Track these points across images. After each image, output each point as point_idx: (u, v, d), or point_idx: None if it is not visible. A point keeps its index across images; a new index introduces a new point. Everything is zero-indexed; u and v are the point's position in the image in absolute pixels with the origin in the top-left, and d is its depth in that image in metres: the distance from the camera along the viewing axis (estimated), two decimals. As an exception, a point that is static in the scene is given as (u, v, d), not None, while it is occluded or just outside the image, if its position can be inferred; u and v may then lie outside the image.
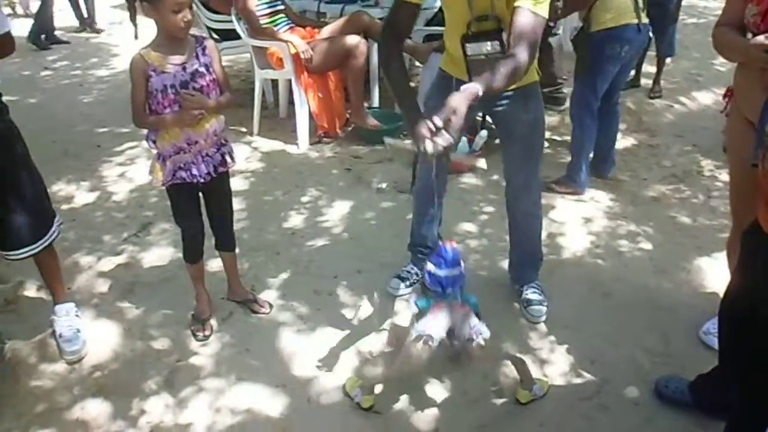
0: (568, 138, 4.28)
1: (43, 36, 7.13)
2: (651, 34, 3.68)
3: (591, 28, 3.34)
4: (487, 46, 2.19)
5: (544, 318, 2.67)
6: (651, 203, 3.56)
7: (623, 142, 4.35)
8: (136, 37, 6.42)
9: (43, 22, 6.98)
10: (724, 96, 2.46)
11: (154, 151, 2.39)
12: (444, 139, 1.80)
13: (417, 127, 1.90)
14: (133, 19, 6.04)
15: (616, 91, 3.67)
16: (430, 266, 2.06)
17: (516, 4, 2.03)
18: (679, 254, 3.03)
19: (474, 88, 1.84)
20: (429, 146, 1.81)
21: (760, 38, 1.79)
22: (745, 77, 2.03)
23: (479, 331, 2.09)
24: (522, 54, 1.98)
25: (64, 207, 3.74)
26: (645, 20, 3.34)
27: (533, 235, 2.72)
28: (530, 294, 2.72)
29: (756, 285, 1.66)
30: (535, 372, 2.40)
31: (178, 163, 2.36)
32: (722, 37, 2.04)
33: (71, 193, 3.89)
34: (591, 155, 3.70)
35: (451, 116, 1.79)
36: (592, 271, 3.00)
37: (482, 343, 2.08)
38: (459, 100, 1.81)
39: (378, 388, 2.29)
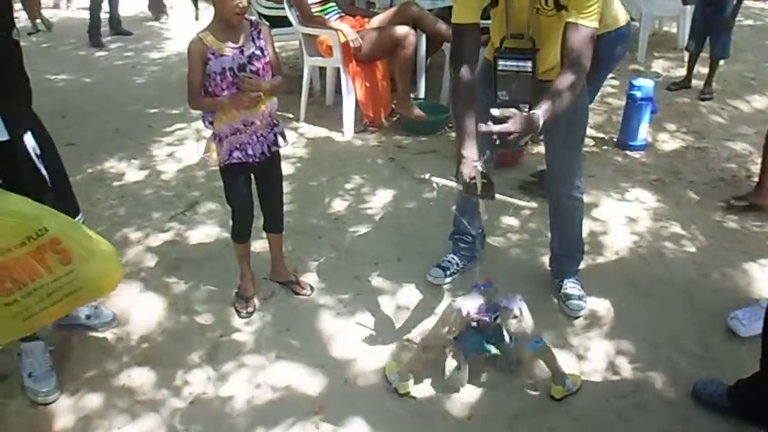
0: (614, 136, 4.27)
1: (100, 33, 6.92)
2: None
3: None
4: (519, 64, 2.20)
5: (582, 313, 2.67)
6: (696, 206, 3.51)
7: (671, 143, 4.29)
8: (197, 18, 6.60)
9: (94, 19, 6.85)
10: None
11: (210, 132, 2.46)
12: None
13: (465, 161, 2.07)
14: (195, 1, 6.18)
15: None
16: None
17: (568, 20, 2.06)
18: (723, 258, 2.99)
19: (536, 118, 1.90)
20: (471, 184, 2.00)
21: None
22: None
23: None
24: (580, 68, 2.03)
25: (115, 184, 3.87)
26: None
27: (574, 222, 2.71)
28: (569, 288, 2.73)
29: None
30: (571, 367, 2.41)
31: (234, 143, 2.42)
32: None
33: (122, 171, 4.01)
34: None
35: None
36: (634, 271, 2.98)
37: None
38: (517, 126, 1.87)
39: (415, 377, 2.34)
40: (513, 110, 1.87)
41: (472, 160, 2.11)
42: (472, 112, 2.20)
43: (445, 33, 4.36)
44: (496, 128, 1.85)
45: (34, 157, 2.26)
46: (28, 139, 2.23)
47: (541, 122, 1.90)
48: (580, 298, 2.70)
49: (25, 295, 2.04)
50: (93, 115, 4.95)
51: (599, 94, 4.97)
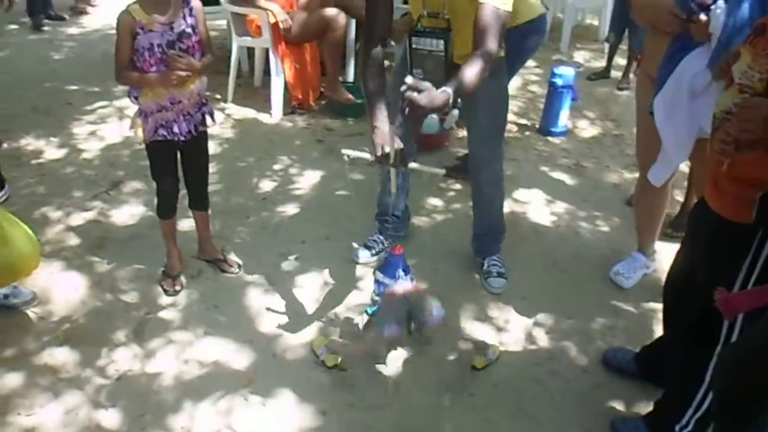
0: (537, 122, 4.43)
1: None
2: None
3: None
4: (432, 44, 2.25)
5: (502, 290, 2.79)
6: (612, 189, 3.71)
7: (590, 130, 4.49)
8: None
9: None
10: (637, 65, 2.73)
11: (136, 107, 2.42)
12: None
13: (377, 132, 2.15)
14: None
15: None
16: (378, 275, 2.24)
17: (480, 0, 2.09)
18: (634, 236, 3.18)
19: (445, 95, 1.90)
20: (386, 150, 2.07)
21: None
22: (653, 41, 2.36)
23: (436, 317, 2.24)
24: (488, 47, 2.07)
25: (33, 162, 3.75)
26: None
27: (495, 206, 2.82)
28: (491, 267, 2.84)
29: (696, 256, 1.79)
30: (491, 338, 2.53)
31: (160, 120, 2.40)
32: (639, 3, 2.41)
33: (40, 148, 3.89)
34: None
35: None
36: (552, 249, 3.13)
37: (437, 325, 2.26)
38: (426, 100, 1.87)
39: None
40: (426, 83, 1.88)
41: (383, 131, 2.18)
42: (383, 84, 2.26)
43: None
44: (407, 94, 1.85)
45: None
46: None
47: (450, 100, 1.92)
48: (499, 275, 2.81)
49: None
50: (8, 89, 4.75)
51: (522, 81, 5.18)
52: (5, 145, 3.35)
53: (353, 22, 4.59)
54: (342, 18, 4.24)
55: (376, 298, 2.31)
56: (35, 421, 2.13)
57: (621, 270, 2.87)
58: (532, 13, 3.18)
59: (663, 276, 2.19)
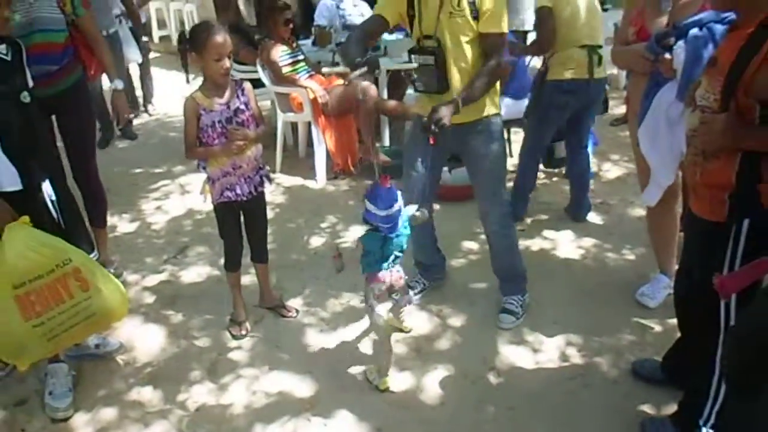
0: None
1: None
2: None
3: (547, 76, 3.65)
4: (426, 59, 2.76)
5: (511, 326, 3.00)
6: (636, 221, 3.95)
7: (615, 171, 4.78)
8: (187, 81, 7.10)
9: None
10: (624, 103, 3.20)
11: (204, 175, 2.83)
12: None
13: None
14: (184, 66, 6.65)
15: (582, 136, 3.96)
16: (367, 204, 2.42)
17: (481, 30, 2.68)
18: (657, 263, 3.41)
19: (455, 102, 2.60)
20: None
21: (635, 46, 2.55)
22: (633, 82, 2.94)
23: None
24: (489, 65, 2.69)
25: (109, 236, 4.18)
26: (597, 75, 3.59)
27: (504, 251, 3.07)
28: (506, 304, 3.07)
29: (692, 254, 2.05)
30: (527, 359, 2.78)
31: (225, 184, 2.80)
32: (615, 52, 2.96)
33: (114, 224, 4.33)
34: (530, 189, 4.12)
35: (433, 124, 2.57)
36: (580, 278, 3.39)
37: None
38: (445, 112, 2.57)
39: (391, 373, 2.67)
40: (437, 108, 2.61)
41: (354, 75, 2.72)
42: (359, 50, 2.76)
43: (392, 109, 4.89)
44: (433, 117, 2.57)
45: (49, 203, 2.62)
46: (46, 187, 2.60)
47: (460, 104, 2.62)
48: (511, 312, 3.03)
49: (50, 317, 2.37)
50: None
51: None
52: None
53: (384, 91, 5.04)
54: (372, 90, 4.68)
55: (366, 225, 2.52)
56: (130, 448, 2.46)
57: (646, 291, 3.11)
58: (566, 74, 3.58)
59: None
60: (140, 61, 6.25)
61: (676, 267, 3.09)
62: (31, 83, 2.62)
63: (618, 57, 2.97)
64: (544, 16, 3.55)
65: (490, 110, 2.83)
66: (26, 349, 2.41)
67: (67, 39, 3.13)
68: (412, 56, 2.81)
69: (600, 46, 3.61)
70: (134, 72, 6.65)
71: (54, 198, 2.64)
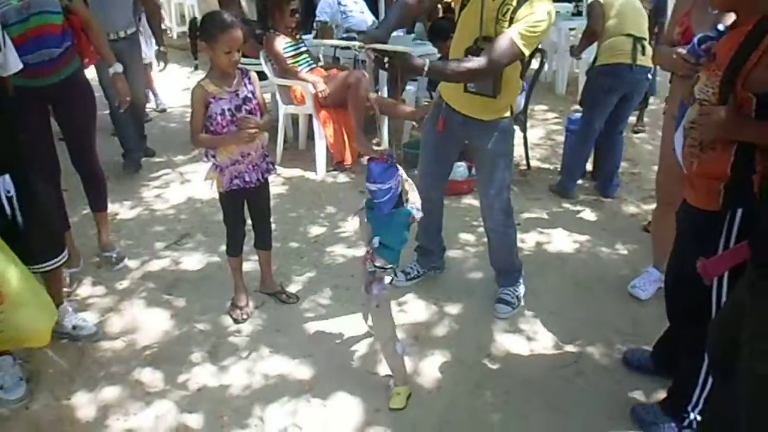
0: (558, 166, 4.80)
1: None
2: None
3: (596, 62, 3.98)
4: None
5: (507, 316, 3.07)
6: (629, 218, 4.03)
7: (609, 170, 4.84)
8: (196, 68, 7.30)
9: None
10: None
11: (210, 164, 2.88)
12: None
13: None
14: (194, 53, 6.73)
15: (620, 122, 4.24)
16: (367, 184, 2.37)
17: (506, 29, 2.52)
18: (650, 257, 3.47)
19: (421, 61, 2.42)
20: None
21: (678, 49, 2.40)
22: (675, 83, 2.78)
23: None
24: (480, 61, 2.50)
25: (111, 222, 4.22)
26: (641, 62, 3.88)
27: (500, 247, 3.14)
28: (502, 294, 3.14)
29: (684, 246, 2.12)
30: (522, 347, 2.85)
31: (234, 172, 2.85)
32: (659, 52, 2.95)
33: (116, 210, 4.37)
34: (586, 170, 4.38)
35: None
36: (575, 271, 3.46)
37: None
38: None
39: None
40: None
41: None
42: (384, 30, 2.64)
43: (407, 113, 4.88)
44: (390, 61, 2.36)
45: (4, 199, 2.51)
46: (1, 182, 2.50)
47: (426, 66, 2.42)
48: (508, 303, 3.10)
49: None
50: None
51: (545, 131, 5.60)
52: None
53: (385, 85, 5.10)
54: (364, 80, 4.71)
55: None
56: (132, 424, 2.51)
57: (638, 284, 3.19)
58: (610, 59, 3.88)
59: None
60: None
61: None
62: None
63: (661, 57, 2.89)
64: (595, 8, 4.06)
65: (505, 113, 2.84)
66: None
67: (65, 22, 3.15)
68: (468, 56, 2.64)
69: (644, 38, 3.93)
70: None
71: (11, 194, 2.53)
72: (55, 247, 2.79)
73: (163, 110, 6.74)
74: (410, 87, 5.25)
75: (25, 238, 2.57)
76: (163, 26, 7.22)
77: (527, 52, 2.55)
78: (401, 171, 2.34)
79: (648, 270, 3.23)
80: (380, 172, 2.29)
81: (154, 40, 5.43)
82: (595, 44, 4.25)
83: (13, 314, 2.35)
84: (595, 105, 4.10)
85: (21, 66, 2.71)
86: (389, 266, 2.42)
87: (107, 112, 4.81)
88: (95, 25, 3.36)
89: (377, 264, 2.41)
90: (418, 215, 2.38)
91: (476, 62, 2.51)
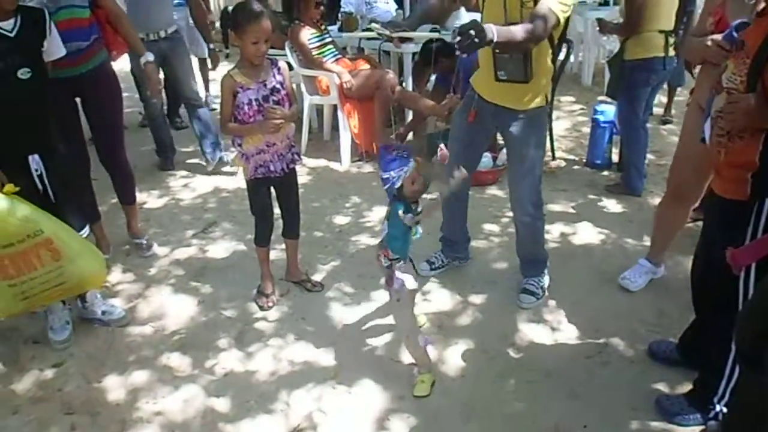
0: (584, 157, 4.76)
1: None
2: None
3: (625, 56, 3.92)
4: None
5: (530, 306, 3.07)
6: (655, 210, 3.98)
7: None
8: (227, 57, 7.44)
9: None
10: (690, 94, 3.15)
11: (237, 151, 2.92)
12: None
13: None
14: (225, 43, 6.83)
15: (646, 110, 4.19)
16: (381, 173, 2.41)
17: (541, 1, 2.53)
18: (676, 249, 3.45)
19: (490, 28, 2.37)
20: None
21: (713, 36, 2.35)
22: (703, 73, 2.69)
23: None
24: (529, 25, 2.49)
25: (139, 210, 4.29)
26: (671, 55, 3.88)
27: (528, 238, 3.13)
28: (527, 285, 3.14)
29: (711, 237, 2.11)
30: (546, 337, 2.85)
31: (259, 161, 2.89)
32: (690, 42, 2.87)
33: (143, 200, 4.44)
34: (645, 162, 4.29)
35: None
36: (600, 262, 3.44)
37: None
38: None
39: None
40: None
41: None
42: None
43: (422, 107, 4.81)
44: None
45: (35, 177, 2.72)
46: (32, 161, 2.71)
47: (494, 35, 2.38)
48: (532, 293, 3.10)
49: (23, 281, 2.56)
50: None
51: (571, 122, 5.56)
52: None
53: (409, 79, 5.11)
54: (391, 78, 4.75)
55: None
56: (161, 407, 2.56)
57: (628, 275, 3.19)
58: (645, 53, 3.82)
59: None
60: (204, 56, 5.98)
61: (662, 260, 3.23)
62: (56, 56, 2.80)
63: (693, 51, 2.75)
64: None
65: (540, 101, 2.83)
66: (1, 302, 2.61)
67: (91, 16, 3.22)
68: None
69: (672, 31, 3.91)
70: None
71: (41, 172, 2.73)
72: (82, 220, 3.03)
73: (213, 110, 6.66)
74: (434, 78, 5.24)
75: (57, 209, 2.72)
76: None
77: (562, 18, 2.57)
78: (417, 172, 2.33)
79: (639, 262, 3.22)
80: (385, 162, 2.33)
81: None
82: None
83: (70, 266, 2.64)
84: (637, 99, 4.02)
85: (64, 53, 2.87)
86: (395, 257, 2.45)
87: (135, 109, 4.88)
88: (123, 17, 3.42)
89: (392, 257, 2.45)
90: (408, 219, 2.36)
91: (528, 25, 2.51)
